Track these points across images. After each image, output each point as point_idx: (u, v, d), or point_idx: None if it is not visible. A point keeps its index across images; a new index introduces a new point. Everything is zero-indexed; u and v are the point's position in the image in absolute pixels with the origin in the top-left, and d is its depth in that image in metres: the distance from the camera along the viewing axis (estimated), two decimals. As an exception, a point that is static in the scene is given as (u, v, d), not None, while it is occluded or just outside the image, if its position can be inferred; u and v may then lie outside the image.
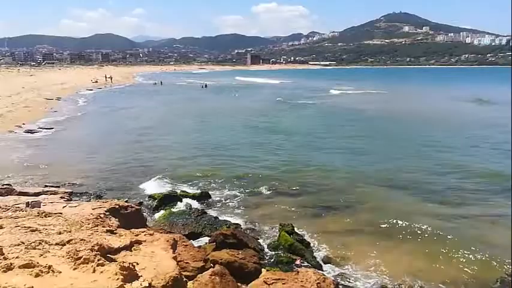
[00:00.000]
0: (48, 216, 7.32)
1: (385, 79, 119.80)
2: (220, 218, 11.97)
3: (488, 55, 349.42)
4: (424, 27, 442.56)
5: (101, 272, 4.86)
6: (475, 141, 24.03)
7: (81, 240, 5.85)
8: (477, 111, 39.99)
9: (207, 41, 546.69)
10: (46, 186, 13.70)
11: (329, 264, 9.57)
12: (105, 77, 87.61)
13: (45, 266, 4.76)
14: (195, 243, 9.95)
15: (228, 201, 13.75)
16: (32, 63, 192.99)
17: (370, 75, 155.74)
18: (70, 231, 6.45)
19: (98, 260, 5.05)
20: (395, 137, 26.55)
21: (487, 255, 9.97)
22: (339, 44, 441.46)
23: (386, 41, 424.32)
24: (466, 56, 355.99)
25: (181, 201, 13.28)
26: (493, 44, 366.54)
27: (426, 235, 11.15)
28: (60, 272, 4.77)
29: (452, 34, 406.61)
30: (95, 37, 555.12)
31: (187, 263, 7.71)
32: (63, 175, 16.03)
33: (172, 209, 12.42)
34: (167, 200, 13.13)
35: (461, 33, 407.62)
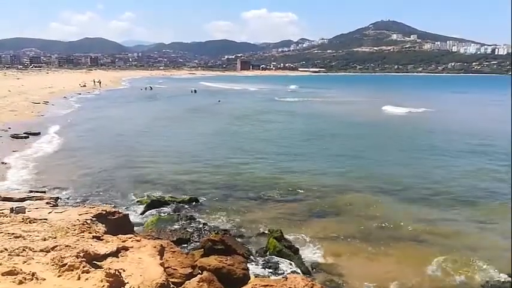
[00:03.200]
0: (33, 222, 7.19)
1: (361, 86, 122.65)
2: (208, 224, 11.91)
3: (474, 63, 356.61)
4: (411, 36, 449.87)
5: (86, 279, 4.79)
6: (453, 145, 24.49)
7: (67, 246, 5.75)
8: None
9: (197, 47, 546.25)
10: (31, 191, 13.46)
11: (318, 270, 9.56)
12: (94, 82, 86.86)
13: (29, 273, 4.67)
14: (183, 249, 9.86)
15: (216, 207, 13.67)
16: (19, 67, 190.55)
17: (351, 82, 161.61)
18: (55, 238, 6.34)
19: (83, 267, 4.97)
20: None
21: (474, 261, 10.09)
22: (328, 50, 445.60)
23: (375, 48, 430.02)
24: (453, 64, 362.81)
25: (169, 206, 13.18)
26: (478, 52, 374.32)
27: (415, 240, 11.25)
28: (44, 279, 4.69)
29: (439, 42, 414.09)
30: (84, 41, 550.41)
31: (175, 269, 7.63)
32: (49, 180, 15.79)
33: (160, 215, 12.32)
34: (155, 205, 13.01)
35: (447, 41, 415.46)
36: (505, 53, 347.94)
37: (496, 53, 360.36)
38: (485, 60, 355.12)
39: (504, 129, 30.75)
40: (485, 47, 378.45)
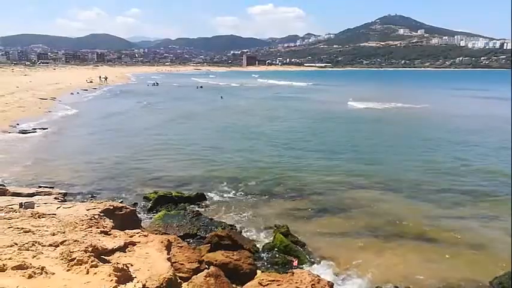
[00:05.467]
0: (42, 217, 7.26)
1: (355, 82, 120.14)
2: (215, 219, 11.94)
3: (482, 58, 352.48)
4: (419, 30, 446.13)
5: (95, 273, 4.83)
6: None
7: (75, 241, 5.81)
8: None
9: (203, 42, 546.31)
10: (40, 186, 13.58)
11: (324, 266, 9.57)
12: (100, 78, 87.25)
13: (38, 268, 4.73)
14: (190, 244, 9.91)
15: (223, 202, 13.72)
16: (27, 63, 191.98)
17: (349, 76, 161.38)
18: (64, 232, 6.41)
19: (92, 261, 5.02)
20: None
21: (481, 257, 10.06)
22: (335, 46, 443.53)
23: (382, 43, 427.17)
24: (460, 59, 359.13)
25: (176, 202, 13.22)
26: (486, 47, 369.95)
27: (421, 237, 11.19)
28: (54, 274, 4.75)
29: (446, 37, 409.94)
30: (91, 37, 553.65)
31: (182, 264, 7.68)
32: (58, 176, 15.93)
33: (167, 210, 12.36)
34: (162, 201, 13.06)
35: (455, 36, 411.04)
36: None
37: (505, 48, 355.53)
38: (494, 55, 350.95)
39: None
40: (494, 41, 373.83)
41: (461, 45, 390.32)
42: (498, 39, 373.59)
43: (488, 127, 31.19)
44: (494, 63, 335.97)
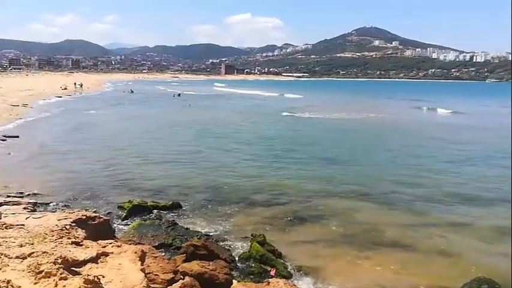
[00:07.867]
0: (9, 228, 7.00)
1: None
2: (191, 228, 11.81)
3: (453, 70, 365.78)
4: (393, 42, 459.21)
5: (64, 286, 4.68)
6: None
7: (44, 253, 5.62)
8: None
9: (181, 50, 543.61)
10: (8, 196, 13.13)
11: (300, 275, 9.58)
12: (75, 84, 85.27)
13: (4, 281, 4.54)
14: (165, 254, 9.75)
15: (199, 212, 13.58)
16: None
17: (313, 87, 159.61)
18: (32, 244, 6.19)
19: (61, 274, 4.86)
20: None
21: (454, 264, 10.32)
22: (312, 56, 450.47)
23: (358, 54, 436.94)
24: (433, 70, 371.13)
25: (151, 211, 13.04)
26: (457, 59, 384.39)
27: (396, 245, 11.39)
28: (20, 287, 4.57)
29: (419, 49, 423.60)
30: (65, 43, 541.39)
31: (156, 275, 7.53)
32: (28, 185, 15.36)
33: (142, 220, 12.15)
34: (137, 210, 12.84)
35: (428, 48, 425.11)
36: (483, 60, 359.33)
37: (474, 60, 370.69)
38: (464, 67, 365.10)
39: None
40: (464, 54, 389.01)
41: (433, 57, 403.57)
42: (468, 52, 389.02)
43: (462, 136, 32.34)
44: (465, 75, 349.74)
